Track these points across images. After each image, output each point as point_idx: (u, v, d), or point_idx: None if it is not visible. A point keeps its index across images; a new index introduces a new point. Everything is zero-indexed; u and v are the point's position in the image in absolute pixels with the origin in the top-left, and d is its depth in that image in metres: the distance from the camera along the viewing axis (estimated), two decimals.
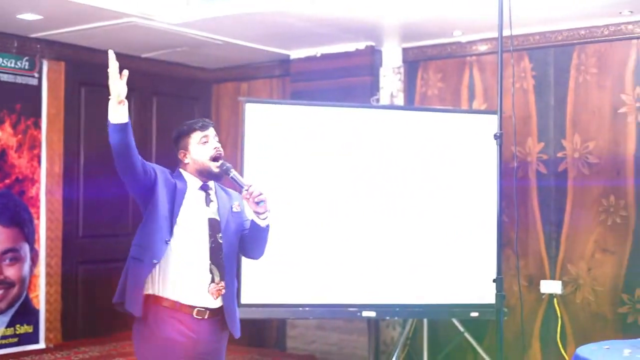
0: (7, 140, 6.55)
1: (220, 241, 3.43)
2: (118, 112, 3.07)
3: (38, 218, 6.74)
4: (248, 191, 3.41)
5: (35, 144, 6.74)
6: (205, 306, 3.37)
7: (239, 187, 3.47)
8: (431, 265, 5.72)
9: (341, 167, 5.73)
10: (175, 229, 3.33)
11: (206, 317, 3.37)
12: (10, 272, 6.51)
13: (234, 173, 3.47)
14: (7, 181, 6.54)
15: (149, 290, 3.33)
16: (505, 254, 5.96)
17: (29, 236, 6.67)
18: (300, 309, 5.65)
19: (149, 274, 3.29)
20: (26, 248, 6.63)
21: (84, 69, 6.98)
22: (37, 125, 6.76)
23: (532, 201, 6.17)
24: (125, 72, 3.08)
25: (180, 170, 3.51)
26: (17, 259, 6.55)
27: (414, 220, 5.74)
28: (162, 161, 3.69)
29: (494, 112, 5.68)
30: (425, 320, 6.17)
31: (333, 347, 6.86)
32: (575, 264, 5.96)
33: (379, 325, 6.58)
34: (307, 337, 7.05)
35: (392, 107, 6.56)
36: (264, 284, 5.60)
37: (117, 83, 3.06)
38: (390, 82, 6.81)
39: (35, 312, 6.70)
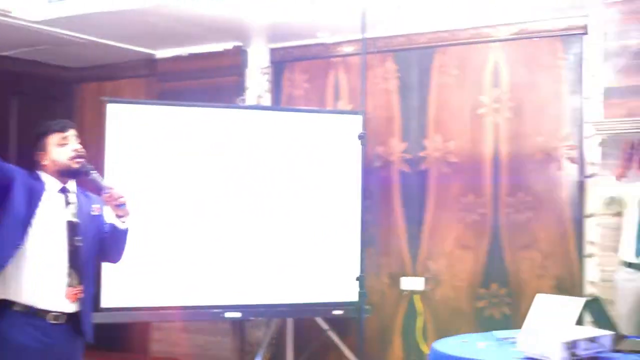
0: None
1: (79, 244, 3.35)
2: None
3: None
4: (109, 194, 3.35)
5: None
6: (62, 310, 3.28)
7: (99, 190, 3.40)
8: (296, 265, 5.77)
9: (208, 167, 5.70)
10: (31, 232, 3.23)
11: (62, 321, 3.28)
12: None
13: (94, 175, 3.40)
14: None
15: (1, 295, 3.21)
16: (369, 253, 6.09)
17: None
18: (163, 311, 5.57)
19: None
20: None
21: None
22: None
23: (395, 200, 6.32)
24: None
25: (40, 171, 3.41)
26: None
27: (279, 221, 5.77)
28: (24, 163, 3.56)
29: (358, 113, 5.82)
30: (290, 320, 6.22)
31: (198, 349, 6.80)
32: (435, 260, 6.16)
33: (244, 326, 6.58)
34: (172, 340, 6.97)
35: (258, 107, 6.57)
36: (125, 287, 5.48)
37: None
38: (257, 82, 6.82)
39: None
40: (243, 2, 5.52)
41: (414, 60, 6.34)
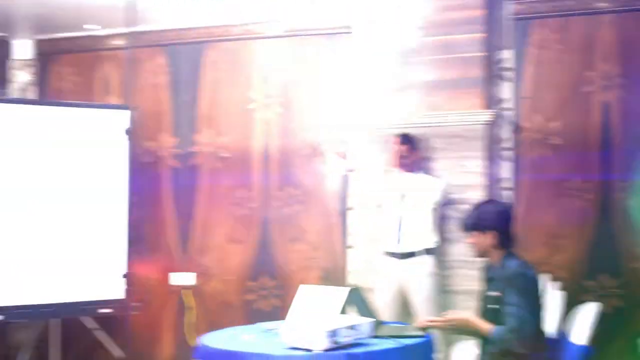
0: None
1: None
2: None
3: None
4: None
5: None
6: None
7: None
8: (60, 264, 5.56)
9: None
10: None
11: None
12: None
13: None
14: None
15: None
16: (138, 249, 5.99)
17: None
18: None
19: None
20: None
21: None
22: None
23: (165, 195, 6.28)
24: None
25: None
26: None
27: (43, 218, 5.54)
28: None
29: (126, 107, 5.71)
30: (56, 320, 5.98)
31: None
32: (206, 255, 6.18)
33: (6, 329, 6.25)
34: None
35: (21, 100, 6.24)
36: None
37: None
38: (21, 75, 6.49)
39: None
40: None
41: (185, 55, 6.32)
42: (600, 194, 5.25)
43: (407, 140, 5.14)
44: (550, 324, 3.99)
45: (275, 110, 6.10)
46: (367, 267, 5.27)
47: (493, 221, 3.51)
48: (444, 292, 5.07)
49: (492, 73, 5.38)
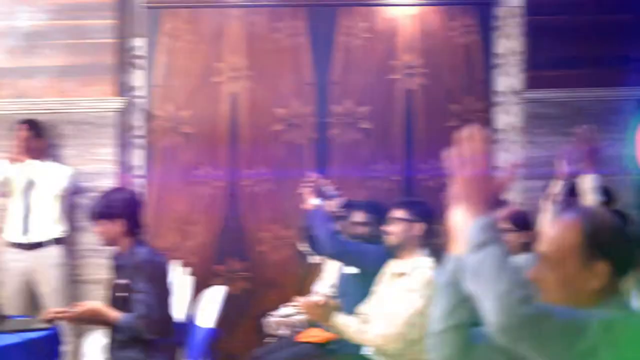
0: None
1: None
2: None
3: None
4: None
5: None
6: None
7: None
8: None
9: None
10: None
11: None
12: None
13: None
14: None
15: None
16: None
17: None
18: None
19: None
20: None
21: None
22: None
23: None
24: None
25: None
26: None
27: None
28: None
29: None
30: None
31: None
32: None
33: None
34: None
35: None
36: None
37: None
38: None
39: None
40: None
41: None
42: (229, 182, 5.47)
43: (32, 126, 4.92)
44: (180, 309, 4.08)
45: None
46: None
47: (121, 209, 3.48)
48: (73, 282, 4.95)
49: (124, 60, 5.35)
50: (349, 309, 3.50)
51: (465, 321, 1.75)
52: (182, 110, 5.50)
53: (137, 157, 5.42)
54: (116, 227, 3.46)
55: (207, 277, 5.19)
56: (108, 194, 3.60)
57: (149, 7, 5.47)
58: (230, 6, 5.53)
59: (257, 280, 5.45)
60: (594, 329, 1.53)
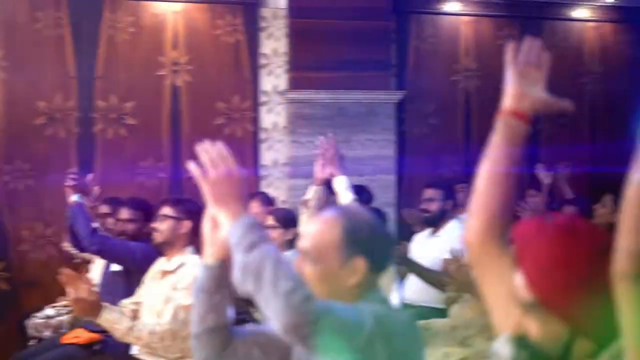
0: None
1: None
2: None
3: None
4: None
5: None
6: None
7: None
8: None
9: None
10: None
11: None
12: None
13: None
14: None
15: None
16: None
17: None
18: None
19: None
20: None
21: None
22: None
23: None
24: None
25: None
26: None
27: None
28: None
29: None
30: None
31: None
32: None
33: None
34: None
35: None
36: None
37: None
38: None
39: None
40: None
41: None
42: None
43: None
44: None
45: None
46: None
47: None
48: None
49: None
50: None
51: (222, 324, 1.75)
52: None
53: None
54: None
55: None
56: None
57: None
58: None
59: (17, 281, 5.20)
60: (369, 323, 1.59)
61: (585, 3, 6.35)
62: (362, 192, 4.35)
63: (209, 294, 1.74)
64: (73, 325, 4.07)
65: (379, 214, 3.97)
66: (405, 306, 3.83)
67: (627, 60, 6.49)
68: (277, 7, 5.62)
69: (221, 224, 1.66)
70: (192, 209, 3.46)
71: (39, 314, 4.38)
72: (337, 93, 5.46)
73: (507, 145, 1.48)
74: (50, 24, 5.29)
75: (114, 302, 3.42)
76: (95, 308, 3.14)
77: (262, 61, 5.60)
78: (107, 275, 4.09)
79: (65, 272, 3.03)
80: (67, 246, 4.64)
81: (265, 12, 5.63)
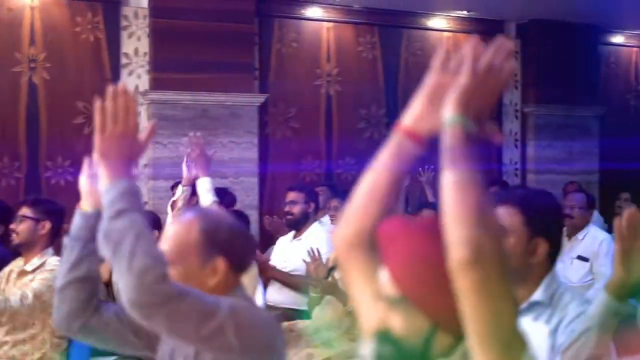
0: None
1: None
2: None
3: None
4: None
5: None
6: None
7: None
8: None
9: None
10: None
11: None
12: None
13: None
14: None
15: None
16: None
17: None
18: None
19: None
20: None
21: None
22: None
23: None
24: None
25: None
26: None
27: None
28: None
29: None
30: None
31: None
32: None
33: None
34: None
35: None
36: None
37: None
38: None
39: None
40: None
41: None
42: None
43: None
44: None
45: None
46: None
47: None
48: None
49: None
50: None
51: (92, 275, 1.74)
52: None
53: None
54: None
55: None
56: None
57: None
58: None
59: None
60: (222, 311, 1.61)
61: (441, 14, 6.60)
62: (224, 195, 4.35)
63: (83, 242, 1.72)
64: None
65: (242, 216, 3.98)
66: (269, 308, 3.85)
67: None
68: (138, 6, 5.53)
69: (100, 177, 1.62)
70: (52, 210, 3.37)
71: None
72: (199, 95, 5.44)
73: (394, 163, 1.42)
74: None
75: None
76: None
77: (124, 60, 5.49)
78: None
79: None
80: None
81: (126, 10, 5.52)
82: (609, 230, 4.45)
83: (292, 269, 4.18)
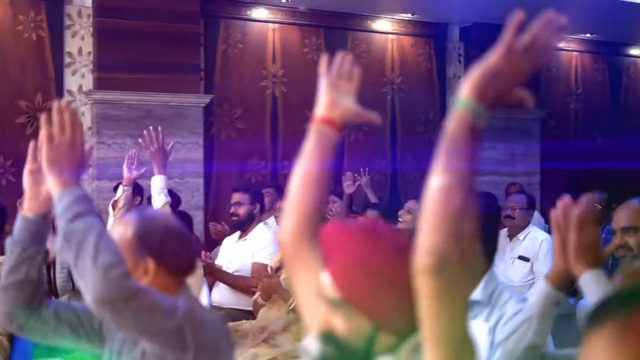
0: None
1: None
2: None
3: None
4: None
5: None
6: None
7: None
8: None
9: None
10: None
11: None
12: None
13: None
14: None
15: None
16: None
17: None
18: None
19: None
20: None
21: None
22: None
23: None
24: None
25: None
26: None
27: None
28: None
29: None
30: None
31: None
32: None
33: None
34: None
35: None
36: None
37: None
38: None
39: None
40: None
41: None
42: None
43: None
44: None
45: None
46: None
47: None
48: None
49: None
50: None
51: (31, 278, 1.75)
52: None
53: None
54: None
55: None
56: None
57: None
58: None
59: None
60: (181, 310, 1.65)
61: (385, 16, 6.67)
62: (170, 195, 4.33)
63: (23, 246, 1.74)
64: None
65: (185, 217, 3.96)
66: (214, 308, 3.85)
67: (424, 71, 6.89)
68: (82, 5, 5.48)
69: (48, 184, 1.66)
70: None
71: None
72: (144, 95, 5.40)
73: (318, 150, 1.53)
74: None
75: None
76: None
77: (67, 60, 5.43)
78: None
79: None
80: None
81: (70, 9, 5.46)
82: (550, 230, 4.54)
83: (236, 269, 4.19)
